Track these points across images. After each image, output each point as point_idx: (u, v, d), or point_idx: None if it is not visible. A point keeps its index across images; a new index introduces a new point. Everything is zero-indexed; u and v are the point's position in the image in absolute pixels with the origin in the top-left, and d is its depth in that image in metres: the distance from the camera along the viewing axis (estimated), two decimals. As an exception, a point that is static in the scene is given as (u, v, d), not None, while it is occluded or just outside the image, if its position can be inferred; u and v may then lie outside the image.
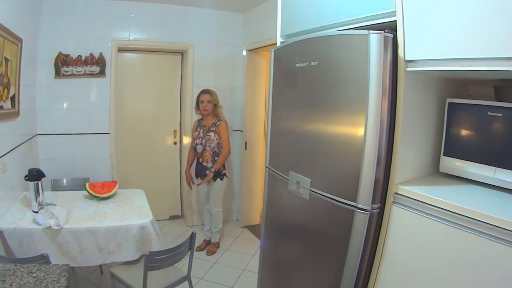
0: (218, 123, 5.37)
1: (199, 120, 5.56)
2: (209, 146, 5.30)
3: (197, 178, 5.58)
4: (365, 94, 2.07)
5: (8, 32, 3.63)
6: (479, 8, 1.68)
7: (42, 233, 3.30)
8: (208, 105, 5.32)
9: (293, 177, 2.77)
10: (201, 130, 5.40)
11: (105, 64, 5.75)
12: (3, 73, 3.62)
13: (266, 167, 3.26)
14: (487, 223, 1.65)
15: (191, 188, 5.97)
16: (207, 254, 5.56)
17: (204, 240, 5.81)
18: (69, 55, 5.53)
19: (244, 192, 6.79)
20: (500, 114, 2.01)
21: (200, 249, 5.63)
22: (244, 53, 6.60)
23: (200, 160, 5.41)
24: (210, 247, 5.68)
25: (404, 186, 2.13)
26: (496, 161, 2.02)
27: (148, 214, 3.83)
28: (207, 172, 5.35)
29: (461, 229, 1.76)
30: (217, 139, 5.34)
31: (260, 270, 3.49)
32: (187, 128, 6.40)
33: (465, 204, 1.79)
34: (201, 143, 5.34)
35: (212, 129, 5.33)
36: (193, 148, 5.54)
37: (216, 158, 5.33)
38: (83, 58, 5.61)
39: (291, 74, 2.83)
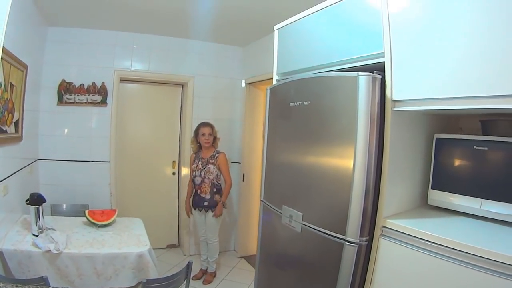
0: (217, 155, 5.44)
1: (196, 153, 5.63)
2: (208, 178, 5.35)
3: (194, 209, 5.61)
4: (354, 131, 2.16)
5: (15, 58, 3.74)
6: (463, 51, 1.79)
7: (42, 256, 3.35)
8: (209, 137, 5.41)
9: (286, 211, 2.83)
10: (200, 162, 5.45)
11: (107, 94, 5.84)
12: (8, 98, 3.72)
13: (261, 200, 3.31)
14: (474, 255, 1.70)
15: (189, 217, 6.00)
16: (203, 284, 5.56)
17: (201, 269, 5.81)
18: (72, 83, 5.64)
19: (242, 223, 6.80)
20: (485, 148, 2.12)
21: (196, 278, 5.64)
22: (243, 85, 6.71)
23: (199, 191, 5.45)
24: (207, 276, 5.68)
25: (392, 220, 2.19)
26: (482, 193, 2.10)
27: (146, 242, 3.88)
28: (205, 203, 5.40)
29: (448, 261, 1.81)
30: (216, 171, 5.39)
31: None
32: (186, 159, 6.44)
33: (452, 236, 1.84)
34: (200, 175, 5.40)
35: (211, 161, 5.40)
36: (192, 180, 5.60)
37: (214, 189, 5.39)
38: (85, 87, 5.72)
39: (286, 112, 2.93)
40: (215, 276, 5.77)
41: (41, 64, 5.40)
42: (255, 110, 6.66)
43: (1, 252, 3.30)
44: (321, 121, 2.49)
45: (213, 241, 5.57)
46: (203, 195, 5.41)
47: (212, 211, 5.41)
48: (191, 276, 3.76)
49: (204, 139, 5.39)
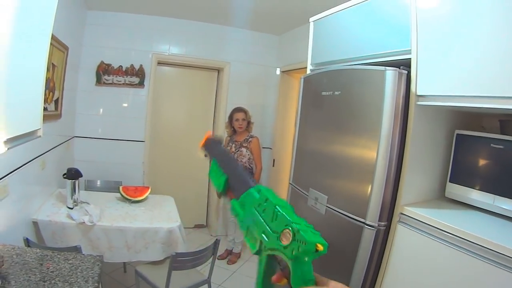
0: (250, 139, 5.52)
1: (230, 136, 5.70)
2: (241, 161, 5.42)
3: (226, 191, 5.71)
4: (379, 122, 2.28)
5: (57, 40, 3.91)
6: (484, 51, 1.86)
7: (75, 227, 3.51)
8: (243, 122, 5.48)
9: (312, 194, 2.96)
10: (233, 145, 5.53)
11: (144, 76, 5.99)
12: (50, 78, 3.89)
13: (289, 183, 3.43)
14: (485, 247, 1.78)
15: (220, 198, 6.16)
16: (228, 263, 5.69)
17: (226, 249, 5.94)
18: (110, 64, 5.80)
19: (269, 208, 6.85)
20: (502, 146, 2.17)
21: (221, 258, 5.76)
22: (278, 73, 6.75)
23: (231, 174, 5.53)
24: (232, 256, 5.81)
25: (409, 208, 2.28)
26: (496, 189, 2.17)
27: (176, 219, 4.02)
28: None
29: (461, 251, 1.90)
30: (248, 155, 5.47)
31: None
32: (218, 142, 6.54)
33: (464, 227, 1.92)
34: (233, 158, 5.47)
35: (244, 144, 5.48)
36: None
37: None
38: (123, 69, 5.87)
39: (318, 100, 3.05)
40: (239, 257, 5.88)
41: (81, 46, 5.56)
42: (288, 98, 6.68)
43: (36, 223, 3.47)
44: (350, 111, 2.61)
45: (243, 222, 5.65)
46: (235, 178, 5.48)
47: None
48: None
49: (238, 124, 5.48)
